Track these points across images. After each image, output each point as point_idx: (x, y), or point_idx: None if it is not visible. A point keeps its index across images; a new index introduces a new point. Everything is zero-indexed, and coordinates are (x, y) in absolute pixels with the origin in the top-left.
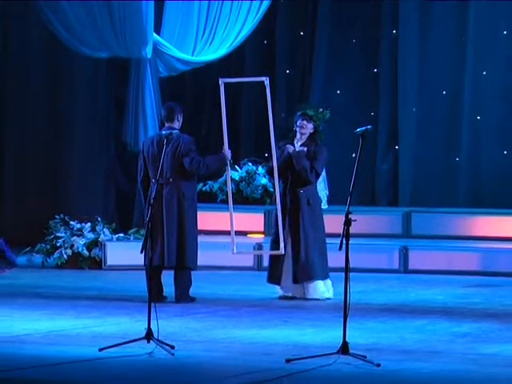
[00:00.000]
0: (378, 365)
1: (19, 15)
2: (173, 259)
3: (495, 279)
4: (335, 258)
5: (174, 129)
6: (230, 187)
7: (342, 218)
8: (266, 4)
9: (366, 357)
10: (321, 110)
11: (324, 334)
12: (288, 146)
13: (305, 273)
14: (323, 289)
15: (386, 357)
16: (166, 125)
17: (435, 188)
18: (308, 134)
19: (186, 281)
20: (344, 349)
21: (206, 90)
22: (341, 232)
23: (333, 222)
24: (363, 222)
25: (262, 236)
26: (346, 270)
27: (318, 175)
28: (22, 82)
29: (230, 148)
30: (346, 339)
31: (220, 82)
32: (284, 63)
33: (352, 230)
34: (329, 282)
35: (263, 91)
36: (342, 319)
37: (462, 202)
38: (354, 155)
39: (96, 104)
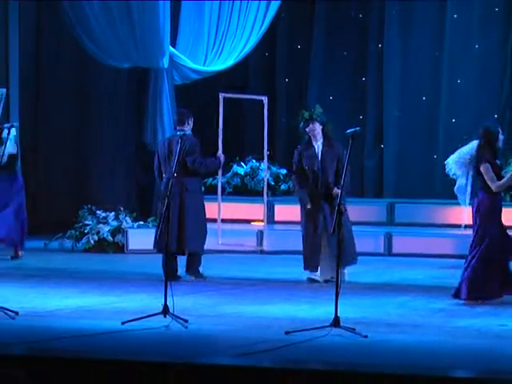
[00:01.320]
0: (366, 336)
1: (52, 30)
2: (173, 246)
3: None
4: None
5: (186, 131)
6: (220, 187)
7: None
8: (268, 22)
9: (355, 329)
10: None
11: (318, 309)
12: None
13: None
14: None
15: (373, 329)
16: (178, 128)
17: (415, 182)
18: (321, 132)
19: (191, 263)
20: (336, 322)
21: (218, 97)
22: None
23: None
24: (352, 211)
25: (262, 223)
26: (339, 253)
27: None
28: (54, 89)
29: (223, 153)
30: (338, 314)
31: (220, 96)
32: (283, 73)
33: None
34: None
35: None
36: (334, 296)
37: (438, 193)
38: (345, 152)
39: (119, 108)
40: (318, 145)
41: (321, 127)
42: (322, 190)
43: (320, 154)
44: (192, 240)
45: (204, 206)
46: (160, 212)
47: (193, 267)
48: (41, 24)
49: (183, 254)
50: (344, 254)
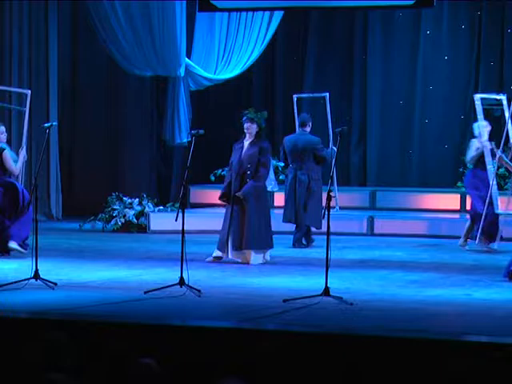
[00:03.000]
0: (351, 304)
1: (87, 41)
2: (297, 219)
3: (438, 240)
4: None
5: (307, 132)
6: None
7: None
8: (268, 37)
9: (342, 298)
10: (259, 113)
11: (311, 281)
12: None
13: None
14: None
15: (357, 298)
16: (301, 129)
17: (394, 173)
18: (255, 133)
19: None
20: (326, 292)
21: (226, 101)
22: (324, 204)
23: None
24: (340, 198)
25: None
26: (328, 233)
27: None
28: (89, 92)
29: None
30: (328, 285)
31: (294, 97)
32: (281, 80)
33: (332, 203)
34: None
35: (268, 100)
36: (325, 270)
37: (413, 183)
38: (334, 148)
39: (143, 110)
40: (247, 142)
41: (257, 129)
42: (236, 183)
43: (244, 149)
44: (310, 216)
45: (322, 190)
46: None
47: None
48: (77, 36)
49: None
50: (260, 238)
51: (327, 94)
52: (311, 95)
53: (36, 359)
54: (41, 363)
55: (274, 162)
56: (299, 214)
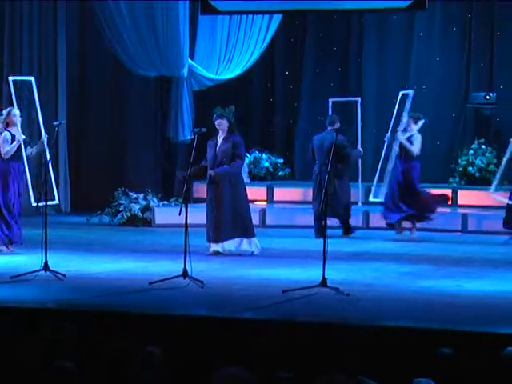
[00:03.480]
0: (348, 294)
1: (93, 43)
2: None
3: (430, 234)
4: None
5: (336, 129)
6: None
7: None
8: (268, 39)
9: (338, 288)
10: (227, 108)
11: (309, 272)
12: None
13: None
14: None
15: (353, 288)
16: (329, 128)
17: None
18: (227, 128)
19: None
20: (323, 283)
21: (227, 100)
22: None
23: None
24: None
25: (265, 203)
26: (325, 227)
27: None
28: (95, 92)
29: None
30: (325, 276)
31: (329, 101)
32: (280, 80)
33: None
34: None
35: (267, 99)
36: (322, 262)
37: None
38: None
39: (148, 109)
40: (221, 138)
41: (227, 124)
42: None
43: (218, 145)
44: (339, 206)
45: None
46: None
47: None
48: (84, 35)
49: (332, 217)
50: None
51: (359, 98)
52: (345, 99)
53: (44, 349)
54: (49, 353)
55: (273, 159)
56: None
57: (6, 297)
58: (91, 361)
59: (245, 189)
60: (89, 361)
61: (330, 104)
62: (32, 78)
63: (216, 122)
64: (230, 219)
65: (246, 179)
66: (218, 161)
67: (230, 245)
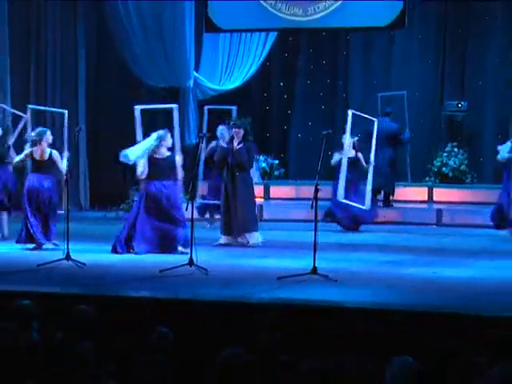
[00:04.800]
0: (336, 281)
1: (110, 58)
2: None
3: (409, 227)
4: (310, 214)
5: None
6: None
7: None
8: (265, 54)
9: (327, 276)
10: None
11: (301, 261)
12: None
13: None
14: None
15: (340, 276)
16: (382, 117)
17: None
18: (241, 136)
19: None
20: (314, 271)
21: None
22: (312, 196)
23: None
24: (325, 190)
25: (262, 200)
26: (316, 220)
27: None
28: (111, 100)
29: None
30: (316, 265)
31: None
32: (275, 92)
33: (319, 195)
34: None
35: (264, 107)
36: (313, 252)
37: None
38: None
39: (157, 117)
40: (236, 143)
41: (242, 132)
42: (228, 174)
43: (235, 148)
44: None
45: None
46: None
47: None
48: (101, 48)
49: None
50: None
51: (405, 92)
52: (392, 93)
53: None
54: (71, 333)
55: (269, 160)
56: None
57: (33, 282)
58: (108, 341)
59: (253, 188)
60: (106, 341)
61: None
62: (65, 112)
63: (234, 131)
64: (242, 215)
65: (257, 179)
66: (235, 161)
67: (240, 238)
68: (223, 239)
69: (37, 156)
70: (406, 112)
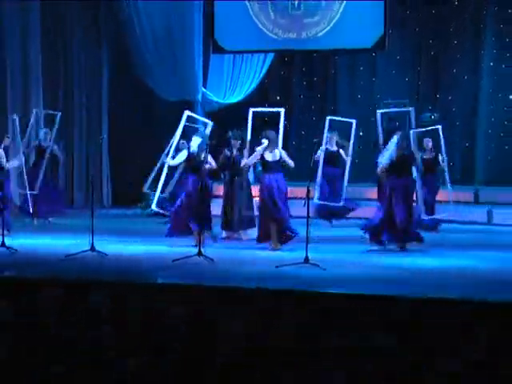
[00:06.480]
0: (325, 269)
1: (129, 76)
2: None
3: None
4: (303, 210)
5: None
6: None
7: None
8: (264, 72)
9: (319, 265)
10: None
11: (295, 252)
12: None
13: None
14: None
15: (329, 265)
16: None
17: (367, 170)
18: (238, 146)
19: None
20: (306, 260)
21: (232, 118)
22: (304, 195)
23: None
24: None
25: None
26: (307, 217)
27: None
28: (130, 113)
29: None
30: (308, 255)
31: (378, 114)
32: (273, 106)
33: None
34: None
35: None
36: (305, 244)
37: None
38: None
39: (170, 126)
40: (235, 152)
41: (239, 142)
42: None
43: (235, 156)
44: None
45: None
46: None
47: None
48: (121, 69)
49: None
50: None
51: (412, 108)
52: (396, 110)
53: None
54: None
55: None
56: None
57: (61, 271)
58: (124, 325)
59: (250, 189)
60: (122, 325)
61: (379, 117)
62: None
63: (232, 142)
64: (239, 213)
65: (252, 179)
66: (235, 167)
67: (240, 233)
68: (224, 234)
69: None
70: (413, 126)
